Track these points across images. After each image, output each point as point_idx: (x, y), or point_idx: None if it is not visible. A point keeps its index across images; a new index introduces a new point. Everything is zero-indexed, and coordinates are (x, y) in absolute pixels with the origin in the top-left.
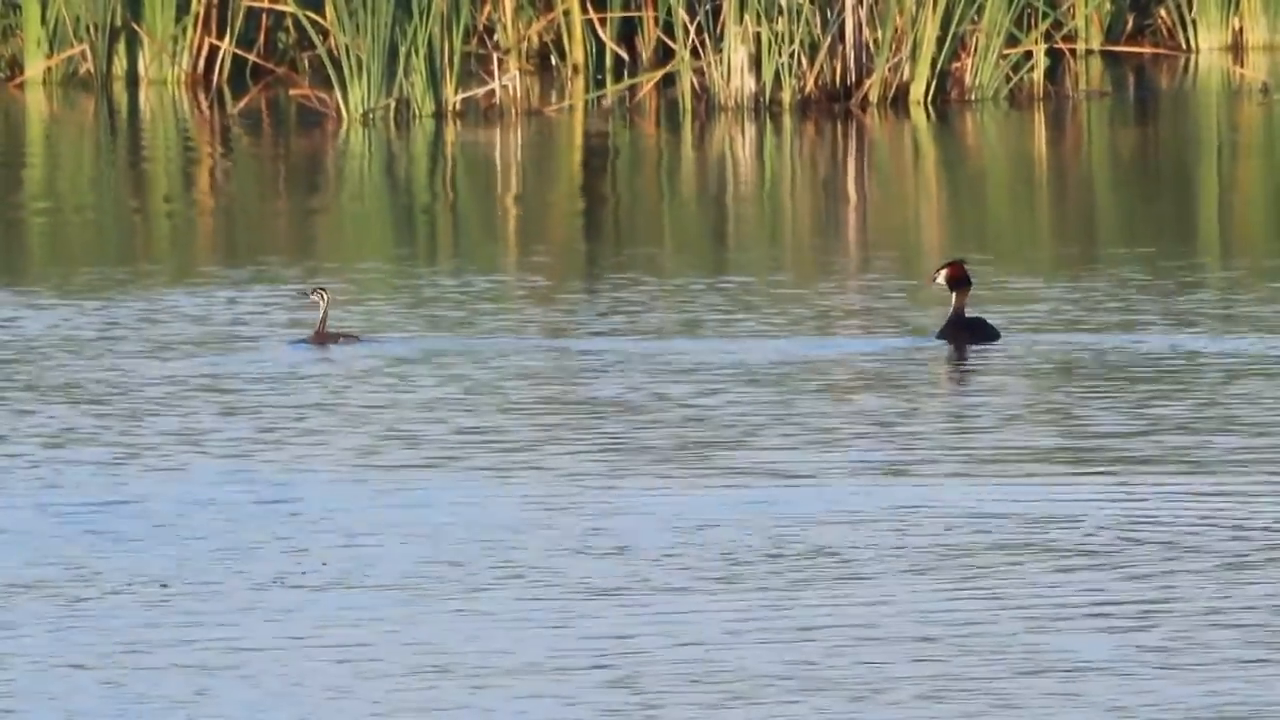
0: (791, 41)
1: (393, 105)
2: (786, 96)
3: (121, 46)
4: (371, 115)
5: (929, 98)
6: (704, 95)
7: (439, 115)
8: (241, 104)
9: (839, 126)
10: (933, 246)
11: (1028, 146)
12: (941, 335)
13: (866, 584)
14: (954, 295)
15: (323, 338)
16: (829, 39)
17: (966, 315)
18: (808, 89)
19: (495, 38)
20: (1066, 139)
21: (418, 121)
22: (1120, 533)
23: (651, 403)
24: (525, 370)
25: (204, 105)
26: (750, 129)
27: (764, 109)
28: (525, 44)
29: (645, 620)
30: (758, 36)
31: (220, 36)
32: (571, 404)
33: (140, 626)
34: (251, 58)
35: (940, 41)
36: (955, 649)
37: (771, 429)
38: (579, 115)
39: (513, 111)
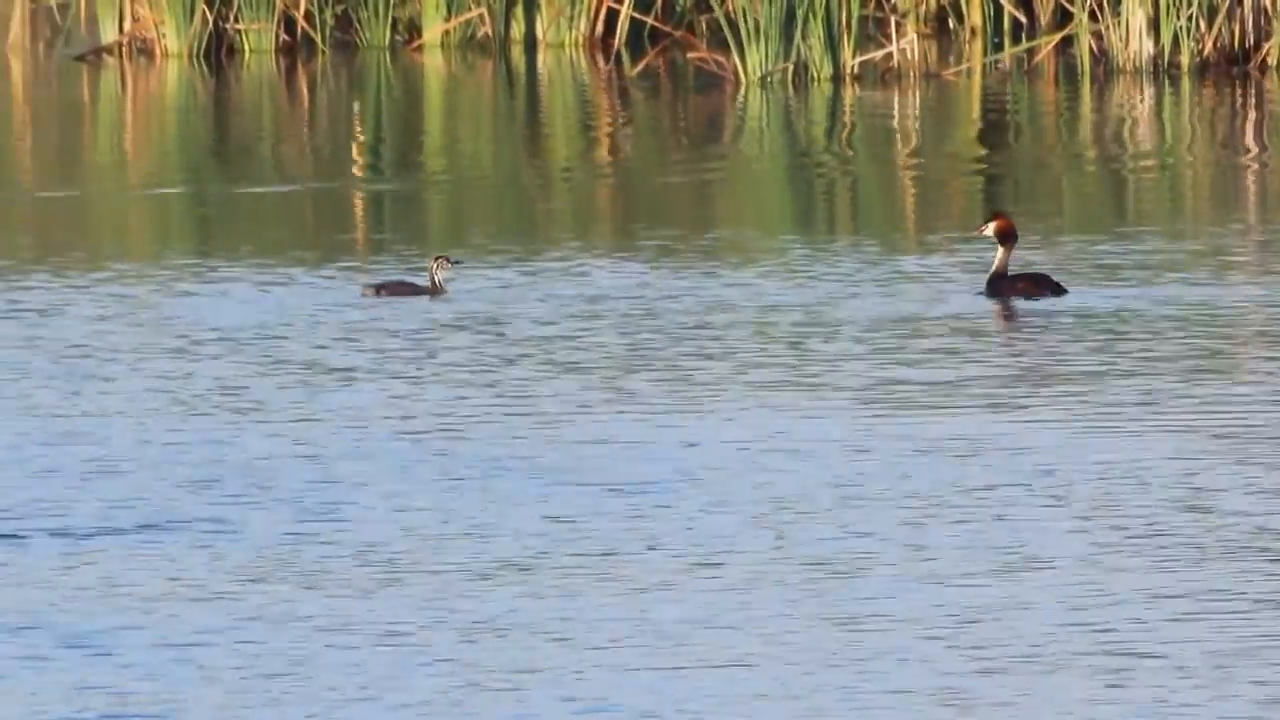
0: (1190, 4)
1: (790, 68)
2: (1185, 59)
3: (519, 9)
4: (769, 78)
5: None
6: (1102, 58)
7: (836, 78)
8: (639, 67)
9: (1237, 89)
10: None
11: None
12: (990, 292)
13: None
14: (999, 249)
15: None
16: (1228, 2)
17: (1010, 272)
18: (1206, 52)
19: (893, 1)
20: None
21: (815, 84)
22: None
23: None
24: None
25: (601, 68)
26: (1148, 91)
27: (1162, 71)
28: (923, 7)
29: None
30: None
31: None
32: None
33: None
34: (649, 20)
35: None
36: None
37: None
38: (976, 78)
39: (910, 75)
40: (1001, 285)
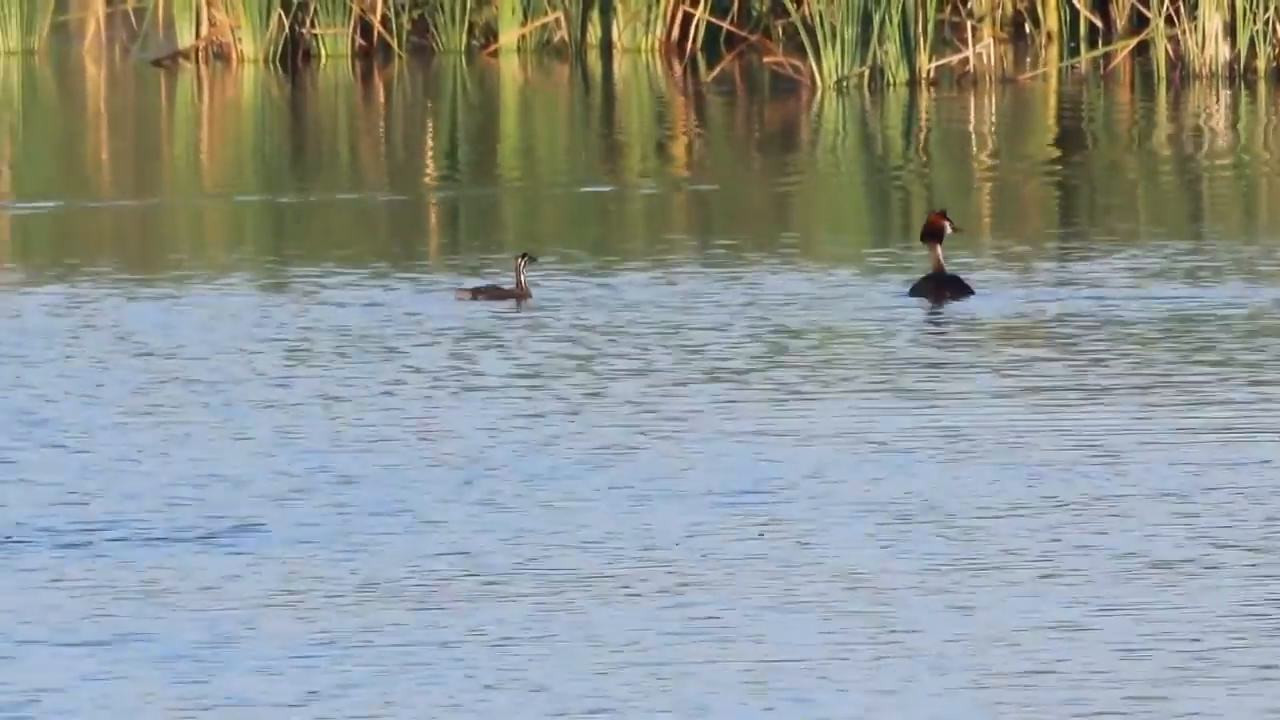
0: (1267, 9)
1: (866, 73)
2: (1261, 64)
3: (595, 14)
4: (845, 83)
5: None
6: (1178, 63)
7: (912, 83)
8: (715, 72)
9: None
10: None
11: None
12: (915, 292)
13: None
14: (929, 249)
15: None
16: None
17: (946, 271)
18: None
19: (969, 5)
20: None
21: (891, 89)
22: None
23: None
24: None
25: (677, 73)
26: (1224, 96)
27: (1238, 76)
28: (999, 11)
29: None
30: (1232, 4)
31: (694, 4)
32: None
33: None
34: (725, 25)
35: None
36: None
37: None
38: (1052, 83)
39: (986, 79)
40: (922, 286)
